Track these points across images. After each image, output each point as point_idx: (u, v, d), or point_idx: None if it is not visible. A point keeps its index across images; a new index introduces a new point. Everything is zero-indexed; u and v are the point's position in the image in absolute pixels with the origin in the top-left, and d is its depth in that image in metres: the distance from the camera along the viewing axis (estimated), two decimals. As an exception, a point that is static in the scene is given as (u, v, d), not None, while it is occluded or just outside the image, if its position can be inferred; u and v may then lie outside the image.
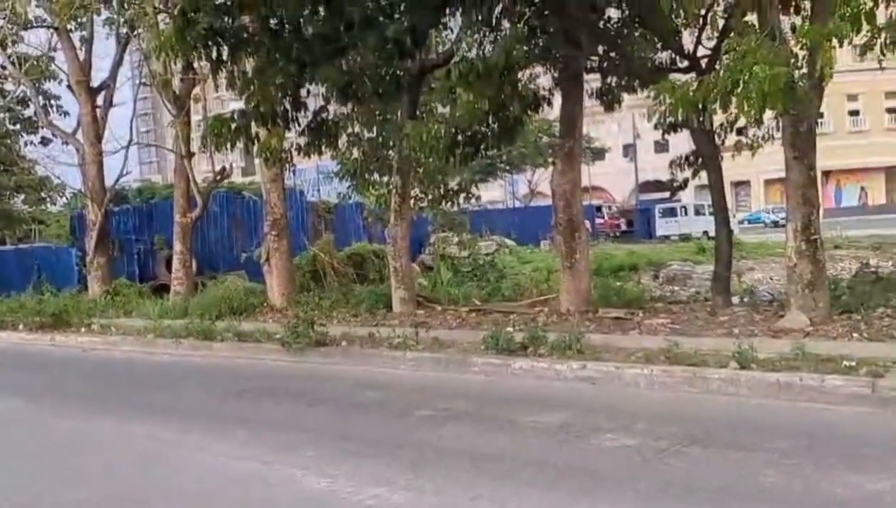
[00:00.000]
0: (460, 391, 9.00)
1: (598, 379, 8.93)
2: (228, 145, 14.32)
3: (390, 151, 17.43)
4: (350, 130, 18.42)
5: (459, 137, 13.23)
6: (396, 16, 12.98)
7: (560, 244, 14.06)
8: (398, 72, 14.44)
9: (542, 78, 15.49)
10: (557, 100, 14.27)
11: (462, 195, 22.02)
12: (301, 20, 13.14)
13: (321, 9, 12.91)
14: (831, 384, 7.51)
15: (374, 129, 19.03)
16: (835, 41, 8.51)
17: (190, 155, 20.86)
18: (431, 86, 17.23)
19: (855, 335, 9.50)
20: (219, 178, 21.74)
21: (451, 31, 15.64)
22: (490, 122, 13.35)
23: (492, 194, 56.54)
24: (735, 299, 13.35)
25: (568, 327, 11.61)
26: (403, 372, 10.50)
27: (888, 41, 9.10)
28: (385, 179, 18.45)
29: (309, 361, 11.65)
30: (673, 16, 11.82)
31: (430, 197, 20.47)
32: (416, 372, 10.41)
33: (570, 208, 13.73)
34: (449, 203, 21.55)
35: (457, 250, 22.63)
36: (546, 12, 12.30)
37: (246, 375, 11.25)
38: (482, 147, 13.76)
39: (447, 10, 13.35)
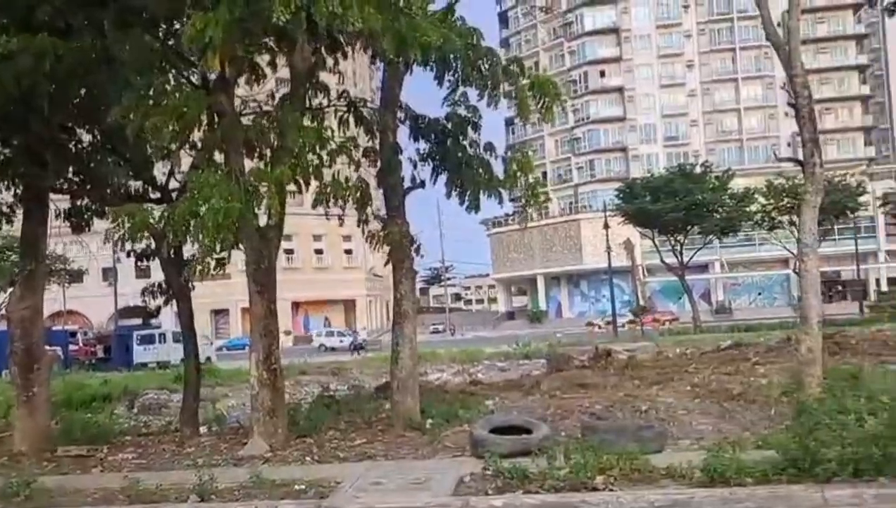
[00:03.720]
0: None
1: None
2: None
3: None
4: None
5: None
6: None
7: (16, 376, 12.69)
8: None
9: (5, 193, 14.17)
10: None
11: None
12: None
13: None
14: (284, 508, 7.98)
15: None
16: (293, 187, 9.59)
17: None
18: None
19: (308, 458, 10.29)
20: None
21: None
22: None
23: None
24: (205, 429, 13.46)
25: (20, 470, 10.35)
26: None
27: (333, 194, 10.64)
28: None
29: None
30: (146, 146, 11.99)
31: None
32: None
33: (29, 336, 12.56)
34: None
35: None
36: (7, 125, 11.44)
37: None
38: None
39: None
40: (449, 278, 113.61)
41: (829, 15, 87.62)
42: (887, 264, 73.75)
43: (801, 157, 12.59)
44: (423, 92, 14.12)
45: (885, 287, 71.44)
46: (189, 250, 12.31)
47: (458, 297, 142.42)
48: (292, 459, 10.29)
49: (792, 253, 29.30)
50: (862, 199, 53.20)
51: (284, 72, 11.98)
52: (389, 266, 12.41)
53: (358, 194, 11.16)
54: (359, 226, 11.96)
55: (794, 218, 15.25)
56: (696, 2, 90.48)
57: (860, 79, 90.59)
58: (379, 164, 12.27)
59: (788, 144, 77.56)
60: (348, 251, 72.68)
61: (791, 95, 12.55)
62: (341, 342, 58.60)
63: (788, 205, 45.35)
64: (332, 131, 11.54)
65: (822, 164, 12.41)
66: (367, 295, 76.74)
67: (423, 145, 12.35)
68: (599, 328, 60.64)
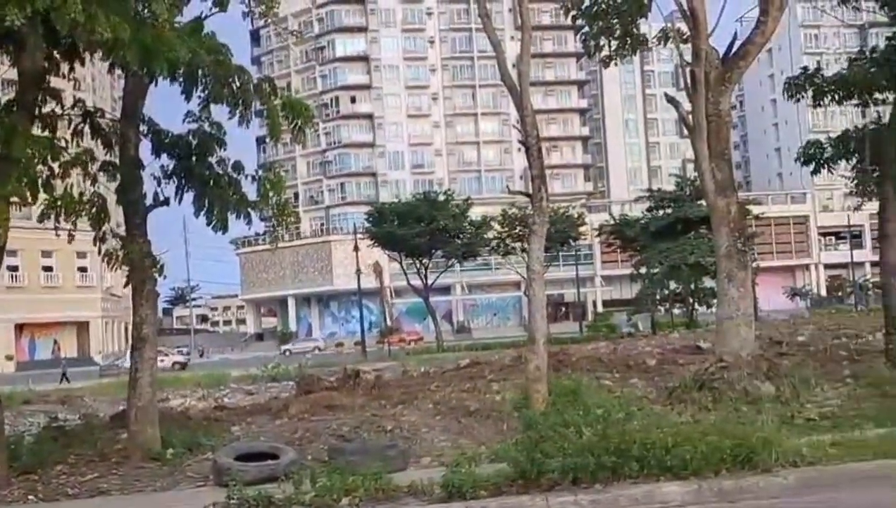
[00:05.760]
0: None
1: None
2: None
3: None
4: None
5: None
6: None
7: None
8: None
9: None
10: None
11: None
12: None
13: None
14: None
15: None
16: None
17: None
18: None
19: (32, 497, 9.41)
20: None
21: None
22: None
23: None
24: None
25: None
26: None
27: (64, 209, 9.89)
28: None
29: None
30: None
31: None
32: None
33: None
34: None
35: None
36: None
37: None
38: None
39: None
40: (195, 299, 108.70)
41: (556, 61, 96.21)
42: (602, 287, 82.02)
43: (530, 190, 13.78)
44: (173, 105, 13.55)
45: (600, 308, 79.34)
46: None
47: (204, 318, 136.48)
48: (13, 499, 9.36)
49: (523, 277, 31.91)
50: (582, 229, 59.00)
51: (11, 73, 10.95)
52: (129, 287, 11.69)
53: (93, 210, 10.43)
54: (95, 244, 11.16)
55: (525, 245, 16.81)
56: (441, 38, 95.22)
57: (581, 121, 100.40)
58: (119, 179, 11.57)
59: (521, 177, 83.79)
60: (82, 269, 66.83)
61: (522, 134, 13.71)
62: (161, 361, 54.76)
63: (520, 233, 49.14)
64: (66, 142, 10.70)
65: (547, 198, 13.67)
66: (103, 317, 71.01)
67: (167, 161, 11.86)
68: (320, 350, 62.38)
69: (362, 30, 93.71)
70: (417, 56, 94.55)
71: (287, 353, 60.48)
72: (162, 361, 54.93)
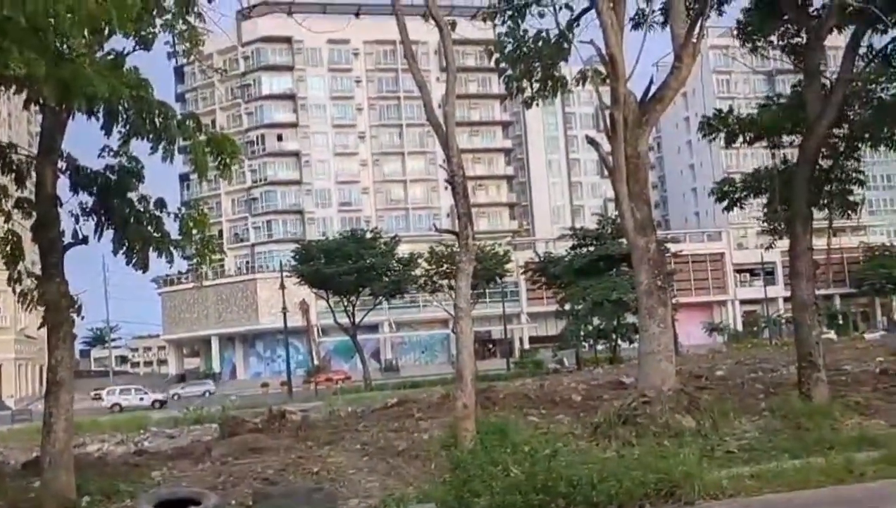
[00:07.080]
0: None
1: None
2: None
3: None
4: None
5: None
6: None
7: None
8: None
9: None
10: None
11: None
12: None
13: None
14: None
15: None
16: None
17: None
18: None
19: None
20: None
21: None
22: None
23: None
24: None
25: None
26: None
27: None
28: None
29: None
30: None
31: None
32: None
33: None
34: None
35: None
36: None
37: None
38: None
39: None
40: (114, 340, 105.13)
41: (481, 102, 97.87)
42: (528, 324, 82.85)
43: (457, 228, 13.93)
44: (96, 141, 13.23)
45: (527, 345, 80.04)
46: None
47: (123, 359, 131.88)
48: None
49: (451, 314, 32.47)
50: (508, 266, 59.74)
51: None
52: (45, 328, 11.25)
53: (7, 248, 10.05)
54: (9, 284, 10.73)
55: (453, 282, 17.01)
56: (367, 78, 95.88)
57: (506, 160, 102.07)
58: (35, 216, 11.19)
59: (448, 215, 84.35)
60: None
61: (448, 173, 13.90)
62: (141, 400, 54.29)
63: (447, 270, 49.50)
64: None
65: (474, 236, 13.85)
66: (17, 359, 67.90)
67: (86, 198, 11.53)
68: (210, 393, 60.58)
69: (289, 68, 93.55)
70: (344, 95, 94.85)
71: (176, 397, 58.68)
72: (141, 399, 53.94)
